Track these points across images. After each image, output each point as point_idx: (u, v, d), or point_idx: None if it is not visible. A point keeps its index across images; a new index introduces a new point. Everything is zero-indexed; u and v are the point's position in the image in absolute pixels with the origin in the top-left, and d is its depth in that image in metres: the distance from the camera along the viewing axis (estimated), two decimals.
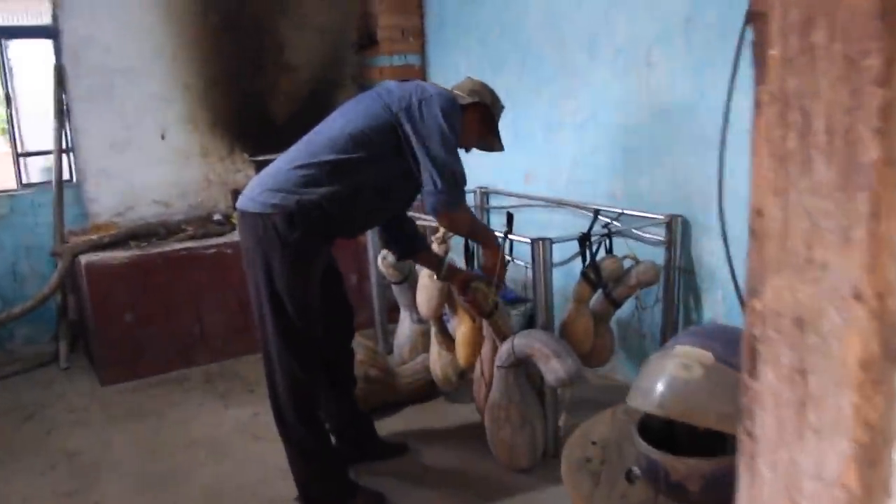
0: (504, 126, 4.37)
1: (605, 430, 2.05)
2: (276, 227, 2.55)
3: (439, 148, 2.57)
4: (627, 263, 3.18)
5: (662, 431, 1.76)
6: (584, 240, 3.04)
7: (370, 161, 2.61)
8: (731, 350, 1.64)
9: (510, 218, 3.05)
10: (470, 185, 4.63)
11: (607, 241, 3.16)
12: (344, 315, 3.06)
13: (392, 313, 4.35)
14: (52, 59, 4.62)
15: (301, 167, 2.59)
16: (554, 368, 2.79)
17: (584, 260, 3.08)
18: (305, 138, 2.72)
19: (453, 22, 4.77)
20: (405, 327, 4.01)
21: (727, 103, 1.37)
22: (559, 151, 4.04)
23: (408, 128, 2.58)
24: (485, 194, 4.58)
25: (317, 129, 2.74)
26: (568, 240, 3.04)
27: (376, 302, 4.46)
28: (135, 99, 4.72)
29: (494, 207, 4.55)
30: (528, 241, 2.94)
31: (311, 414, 2.81)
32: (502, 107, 2.97)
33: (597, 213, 3.13)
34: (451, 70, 4.82)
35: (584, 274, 3.08)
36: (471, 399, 3.40)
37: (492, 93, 2.91)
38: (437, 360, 3.56)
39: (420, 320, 3.84)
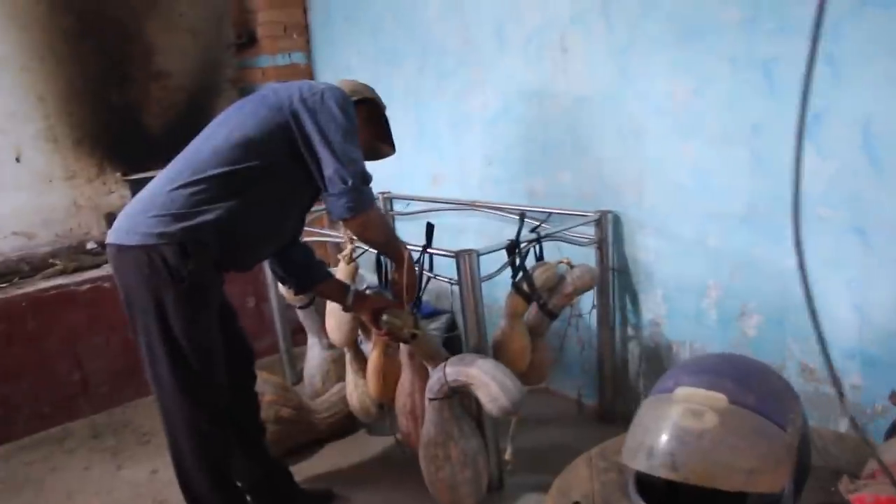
0: (407, 125, 4.07)
1: (585, 483, 1.73)
2: (164, 260, 2.14)
3: (343, 142, 2.22)
4: (561, 269, 2.89)
5: (659, 480, 1.43)
6: (513, 248, 2.72)
7: (264, 169, 2.23)
8: (746, 387, 1.34)
9: (430, 229, 2.71)
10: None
11: (537, 247, 2.86)
12: (243, 355, 2.67)
13: (297, 336, 3.95)
14: None
15: (185, 186, 2.18)
16: (495, 397, 2.46)
17: (514, 270, 2.76)
18: (185, 152, 2.31)
19: (341, 15, 4.37)
20: (315, 354, 3.62)
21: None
22: (469, 150, 3.71)
23: (307, 124, 2.22)
24: (388, 200, 4.21)
25: (197, 141, 2.33)
26: (496, 250, 2.71)
27: (279, 326, 4.04)
28: None
29: (401, 214, 4.19)
30: (452, 254, 2.59)
31: (223, 476, 2.43)
32: (384, 106, 2.68)
33: (523, 216, 2.81)
34: (341, 67, 4.42)
35: (515, 286, 2.76)
36: (395, 430, 3.04)
37: (373, 91, 2.63)
38: (353, 389, 3.19)
39: (331, 345, 3.46)
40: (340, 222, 2.34)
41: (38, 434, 3.77)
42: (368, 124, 2.56)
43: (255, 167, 2.22)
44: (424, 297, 3.73)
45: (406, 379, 2.85)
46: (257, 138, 2.22)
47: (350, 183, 2.20)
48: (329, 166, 2.21)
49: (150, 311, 2.21)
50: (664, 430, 1.33)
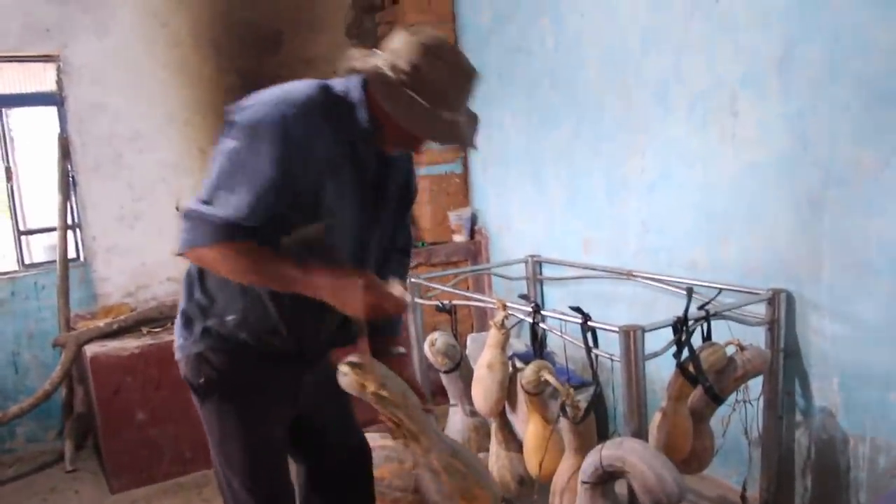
0: (559, 187, 3.97)
1: None
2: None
3: (217, 173, 1.81)
4: (729, 350, 2.67)
5: None
6: (681, 325, 2.53)
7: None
8: None
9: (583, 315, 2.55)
10: (518, 254, 4.23)
11: (705, 325, 2.66)
12: (349, 454, 2.33)
13: (438, 398, 3.86)
14: (57, 129, 4.22)
15: None
16: (650, 488, 2.27)
17: (679, 349, 2.57)
18: None
19: (495, 73, 4.32)
20: (456, 420, 3.50)
21: None
22: (624, 215, 3.55)
23: None
24: (537, 263, 4.09)
25: None
26: (662, 326, 2.53)
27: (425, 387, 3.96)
28: (146, 168, 4.33)
29: (549, 279, 4.05)
30: (616, 329, 2.43)
31: None
32: (468, 76, 1.88)
33: (691, 291, 2.62)
34: (494, 126, 4.36)
35: (681, 367, 2.57)
36: None
37: (421, 54, 1.81)
38: (494, 461, 3.05)
39: (474, 413, 3.33)
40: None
41: (179, 478, 3.83)
42: (387, 104, 1.83)
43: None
44: (571, 366, 3.59)
45: (569, 456, 2.69)
46: None
47: (185, 211, 1.80)
48: None
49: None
50: None
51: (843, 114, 2.57)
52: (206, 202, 1.77)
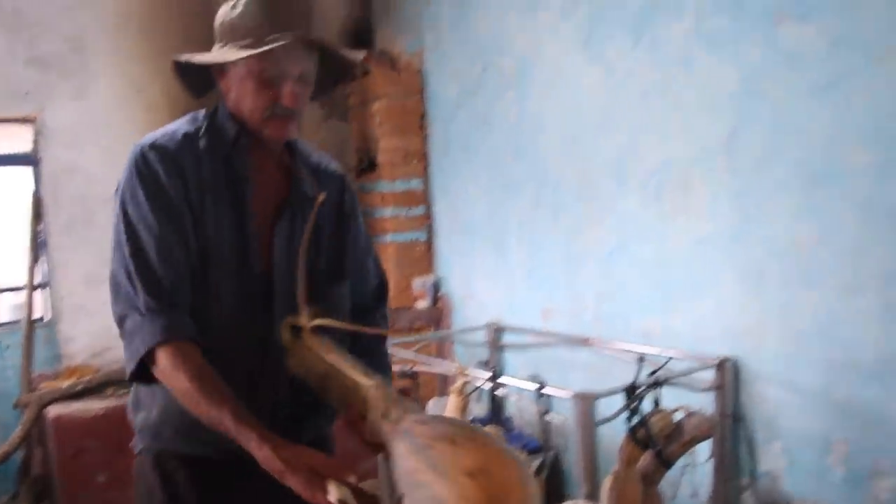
0: (519, 256, 4.11)
1: None
2: None
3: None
4: (677, 416, 2.78)
5: None
6: (631, 392, 2.65)
7: None
8: None
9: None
10: (480, 321, 4.34)
11: (655, 392, 2.77)
12: None
13: None
14: (30, 189, 4.30)
15: None
16: None
17: (630, 415, 2.67)
18: None
19: (460, 144, 4.49)
20: None
21: None
22: (582, 285, 3.69)
23: None
24: (498, 330, 4.20)
25: None
26: (613, 393, 2.64)
27: None
28: None
29: (509, 346, 4.16)
30: (570, 396, 2.54)
31: None
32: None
33: (642, 359, 2.75)
34: (458, 195, 4.52)
35: (632, 433, 2.67)
36: None
37: (222, 10, 1.68)
38: None
39: None
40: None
41: None
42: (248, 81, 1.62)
43: None
44: (529, 431, 3.68)
45: None
46: None
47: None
48: None
49: None
50: None
51: (782, 193, 2.74)
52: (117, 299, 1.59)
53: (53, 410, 3.78)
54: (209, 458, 1.68)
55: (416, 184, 4.84)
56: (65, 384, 4.00)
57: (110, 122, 4.38)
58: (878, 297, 2.47)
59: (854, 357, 2.57)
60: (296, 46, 1.59)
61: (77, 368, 4.25)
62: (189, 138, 1.67)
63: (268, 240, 1.69)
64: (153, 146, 1.62)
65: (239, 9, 1.61)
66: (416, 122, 4.83)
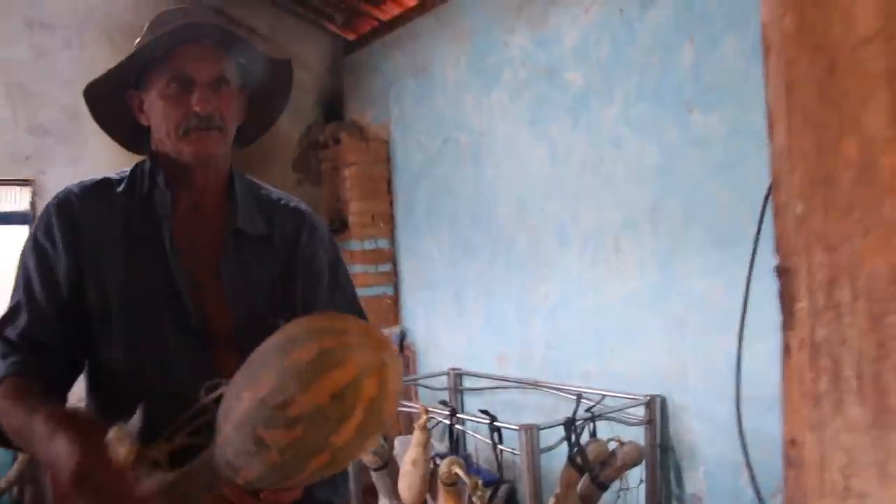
0: (478, 308, 4.58)
1: None
2: None
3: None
4: (612, 446, 3.24)
5: None
6: (570, 425, 3.11)
7: None
8: None
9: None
10: (442, 367, 4.79)
11: (591, 425, 3.23)
12: None
13: (368, 497, 4.28)
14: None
15: None
16: None
17: (570, 445, 3.13)
18: None
19: (423, 208, 4.99)
20: None
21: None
22: (532, 334, 4.16)
23: None
24: (458, 375, 4.65)
25: None
26: (553, 426, 3.10)
27: (352, 486, 4.38)
28: None
29: (468, 389, 4.61)
30: (517, 428, 2.99)
31: None
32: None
33: (580, 397, 3.21)
34: (422, 254, 5.00)
35: (571, 459, 3.13)
36: None
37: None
38: None
39: None
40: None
41: None
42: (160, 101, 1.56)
43: None
44: (485, 465, 4.10)
45: None
46: None
47: None
48: None
49: None
50: None
51: (698, 253, 3.24)
52: None
53: None
54: None
55: (383, 243, 5.31)
56: None
57: None
58: (774, 342, 2.93)
59: (759, 392, 3.03)
60: (206, 54, 1.54)
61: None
62: (105, 184, 1.63)
63: (206, 278, 1.59)
64: (60, 193, 1.61)
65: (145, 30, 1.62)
66: (383, 187, 5.32)
